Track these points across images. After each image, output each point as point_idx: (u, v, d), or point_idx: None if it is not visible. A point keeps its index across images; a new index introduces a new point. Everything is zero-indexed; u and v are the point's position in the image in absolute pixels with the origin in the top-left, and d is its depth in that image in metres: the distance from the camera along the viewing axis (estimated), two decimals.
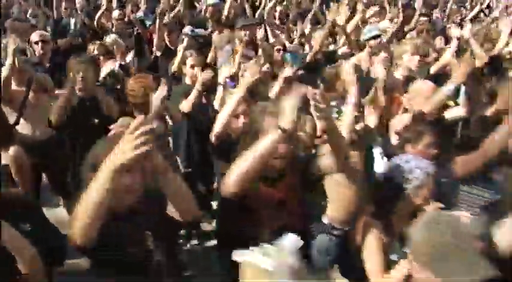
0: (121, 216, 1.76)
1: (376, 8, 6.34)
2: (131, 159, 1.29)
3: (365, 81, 3.80)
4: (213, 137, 2.35)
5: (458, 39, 3.90)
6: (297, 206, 2.01)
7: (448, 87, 2.73)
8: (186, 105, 3.20)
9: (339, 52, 4.56)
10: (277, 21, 6.15)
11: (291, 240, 1.02)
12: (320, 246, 2.67)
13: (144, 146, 1.27)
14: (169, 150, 3.47)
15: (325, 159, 1.90)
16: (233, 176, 1.72)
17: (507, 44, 4.38)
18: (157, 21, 4.58)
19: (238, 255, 1.00)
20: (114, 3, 6.21)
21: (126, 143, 1.30)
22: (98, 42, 4.09)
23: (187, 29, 4.28)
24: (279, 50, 4.32)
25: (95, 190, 1.41)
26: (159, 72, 4.48)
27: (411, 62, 3.44)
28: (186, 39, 3.87)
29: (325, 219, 2.62)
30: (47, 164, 3.45)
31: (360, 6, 4.82)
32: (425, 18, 6.39)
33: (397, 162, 1.92)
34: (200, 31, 4.41)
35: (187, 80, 3.57)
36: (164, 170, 1.59)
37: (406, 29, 6.24)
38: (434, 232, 1.26)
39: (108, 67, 3.67)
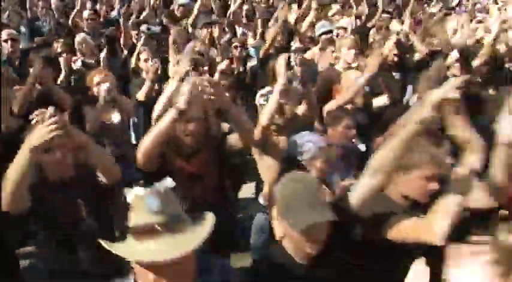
0: (55, 188, 2.06)
1: (338, 6, 6.66)
2: (40, 142, 1.63)
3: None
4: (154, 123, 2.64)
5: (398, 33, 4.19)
6: (212, 180, 2.28)
7: (363, 77, 3.01)
8: (140, 95, 3.48)
9: (293, 47, 4.84)
10: (244, 20, 6.41)
11: (166, 180, 1.31)
12: (256, 224, 2.95)
13: (51, 133, 1.64)
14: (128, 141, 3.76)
15: (233, 135, 2.18)
16: (139, 149, 2.04)
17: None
18: (122, 20, 4.84)
19: (127, 194, 1.27)
20: (88, 4, 6.44)
21: (40, 129, 1.65)
22: (61, 40, 4.35)
23: (143, 27, 4.56)
24: (236, 47, 4.59)
25: (15, 164, 1.74)
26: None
27: (347, 56, 3.71)
28: (142, 37, 4.15)
29: (261, 199, 2.91)
30: (12, 156, 3.68)
31: (314, 4, 5.11)
32: (387, 15, 6.69)
33: (294, 139, 2.21)
34: (156, 29, 4.68)
35: (144, 74, 3.85)
36: (86, 144, 1.90)
37: (369, 25, 6.55)
38: (286, 186, 1.54)
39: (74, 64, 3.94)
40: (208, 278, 1.38)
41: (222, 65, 3.33)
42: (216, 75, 3.27)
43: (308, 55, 4.68)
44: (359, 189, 1.63)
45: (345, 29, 5.47)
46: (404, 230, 1.69)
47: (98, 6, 6.88)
